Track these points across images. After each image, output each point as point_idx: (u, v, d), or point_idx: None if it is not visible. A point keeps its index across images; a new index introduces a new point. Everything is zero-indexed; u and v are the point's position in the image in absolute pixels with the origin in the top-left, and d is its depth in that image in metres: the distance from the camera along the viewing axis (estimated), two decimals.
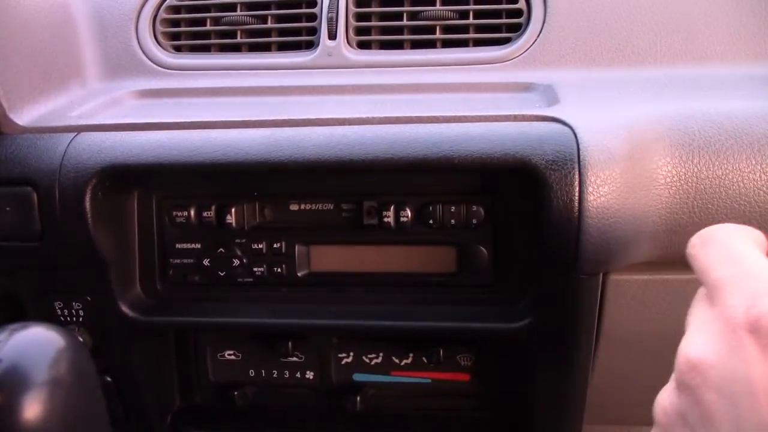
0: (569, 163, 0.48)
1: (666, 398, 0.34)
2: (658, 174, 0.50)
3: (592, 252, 0.49)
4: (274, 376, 0.64)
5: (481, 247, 0.55)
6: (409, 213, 0.54)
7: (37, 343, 0.31)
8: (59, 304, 0.58)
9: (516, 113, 0.52)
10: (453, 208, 0.54)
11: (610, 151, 0.48)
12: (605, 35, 0.65)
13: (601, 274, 0.55)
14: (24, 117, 0.58)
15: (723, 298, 0.33)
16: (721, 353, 0.31)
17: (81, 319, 0.58)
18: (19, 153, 0.54)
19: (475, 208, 0.54)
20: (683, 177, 0.50)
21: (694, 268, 0.36)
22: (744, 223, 0.50)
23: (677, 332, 0.61)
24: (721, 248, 0.35)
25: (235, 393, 0.64)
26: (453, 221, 0.54)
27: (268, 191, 0.57)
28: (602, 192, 0.48)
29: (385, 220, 0.54)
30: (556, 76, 0.63)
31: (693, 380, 0.32)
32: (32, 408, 0.29)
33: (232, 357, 0.64)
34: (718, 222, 0.51)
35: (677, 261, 0.54)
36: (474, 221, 0.54)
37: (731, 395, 0.30)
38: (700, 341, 0.32)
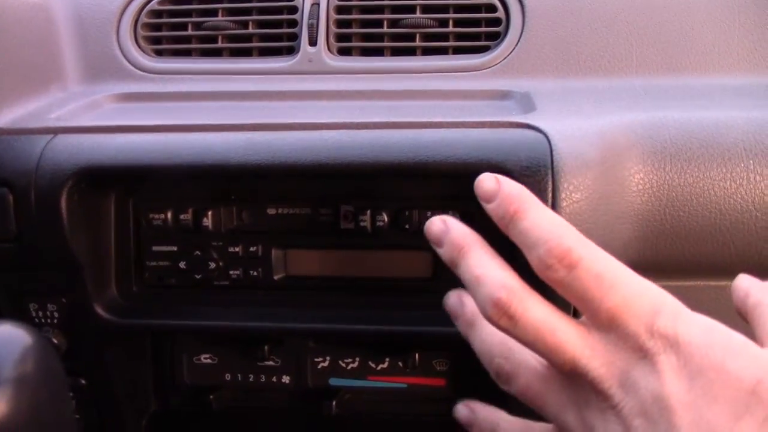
0: (543, 169, 0.48)
1: (581, 428, 0.34)
2: (630, 181, 0.51)
3: None
4: (250, 380, 0.63)
5: None
6: (385, 218, 0.55)
7: (3, 340, 0.31)
8: (34, 306, 0.57)
9: (491, 120, 0.53)
10: (429, 213, 0.54)
11: (583, 158, 0.49)
12: (583, 45, 0.66)
13: None
14: (1, 119, 0.57)
15: (618, 327, 0.33)
16: (638, 380, 0.32)
17: (56, 321, 0.58)
18: None
19: (451, 213, 0.54)
20: (655, 185, 0.51)
21: (564, 293, 0.36)
22: (715, 230, 0.51)
23: None
24: (594, 273, 0.35)
25: (211, 396, 0.64)
26: None
27: (245, 195, 0.57)
28: (575, 198, 0.48)
29: (362, 224, 0.55)
30: (534, 85, 0.64)
31: (607, 402, 0.33)
32: None
33: (209, 360, 0.64)
34: (689, 229, 0.52)
35: (648, 269, 0.55)
36: None
37: (651, 417, 0.31)
38: (609, 373, 0.33)
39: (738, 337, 0.32)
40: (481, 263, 0.39)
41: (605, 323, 0.34)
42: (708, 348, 0.31)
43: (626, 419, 0.32)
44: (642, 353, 0.32)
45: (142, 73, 0.69)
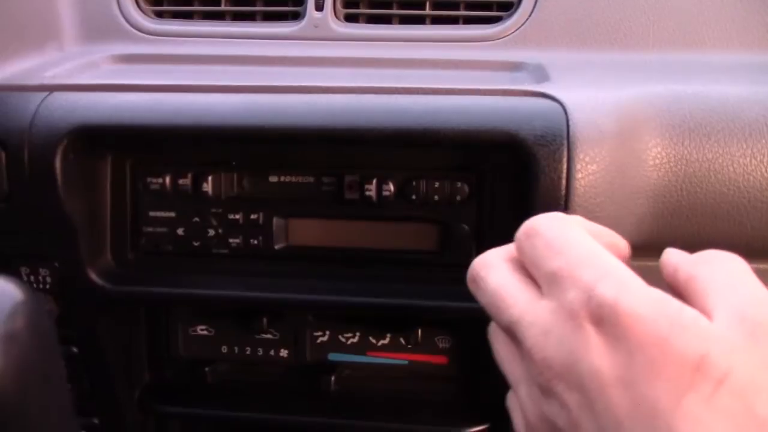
0: (558, 139, 0.46)
1: (530, 405, 0.33)
2: (647, 155, 0.49)
3: None
4: (247, 352, 0.62)
5: (465, 225, 0.53)
6: (391, 187, 0.53)
7: None
8: (26, 270, 0.55)
9: (505, 88, 0.51)
10: (437, 183, 0.53)
11: (600, 129, 0.47)
12: (598, 17, 0.64)
13: None
14: None
15: (560, 293, 0.31)
16: (570, 346, 0.30)
17: (48, 286, 0.56)
18: None
19: (459, 184, 0.53)
20: (673, 159, 0.49)
21: (525, 263, 0.35)
22: (732, 208, 0.50)
23: None
24: (546, 239, 0.33)
25: (207, 369, 0.63)
26: (436, 197, 0.53)
27: (247, 161, 0.55)
28: (591, 170, 0.46)
29: (367, 194, 0.53)
30: (547, 56, 0.62)
31: (552, 384, 0.31)
32: None
33: (204, 332, 0.62)
34: (706, 206, 0.50)
35: (663, 247, 0.53)
36: (458, 198, 0.53)
37: (589, 392, 0.29)
38: (547, 344, 0.31)
39: (689, 311, 0.29)
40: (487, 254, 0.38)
41: (548, 289, 0.32)
42: (651, 320, 0.29)
43: (561, 395, 0.30)
44: (577, 322, 0.30)
45: (141, 34, 0.67)
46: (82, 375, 0.60)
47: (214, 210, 0.55)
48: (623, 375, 0.28)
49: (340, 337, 0.61)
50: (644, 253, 0.55)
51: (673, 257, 0.35)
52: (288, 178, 0.55)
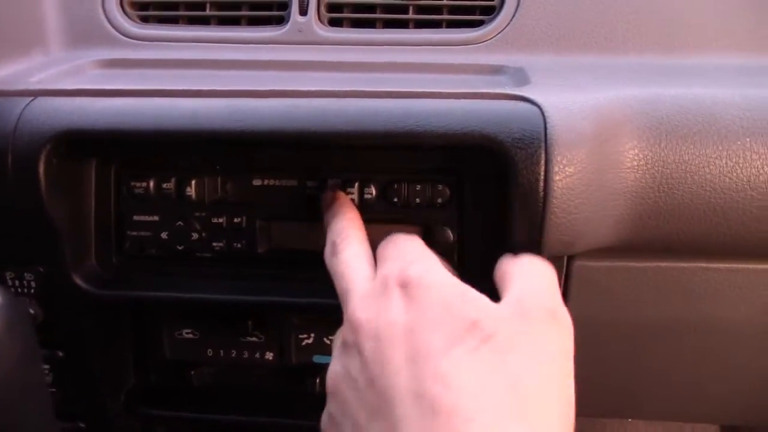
0: (536, 141, 0.47)
1: (332, 366, 0.39)
2: (624, 157, 0.49)
3: (557, 233, 0.48)
4: (233, 356, 0.62)
5: (446, 228, 0.54)
6: (373, 190, 0.53)
7: None
8: (10, 275, 0.56)
9: (484, 91, 0.51)
10: (418, 186, 0.53)
11: (577, 131, 0.48)
12: (579, 21, 0.64)
13: (565, 259, 0.55)
14: None
15: (383, 268, 0.39)
16: (378, 307, 0.37)
17: (33, 290, 0.56)
18: None
19: (440, 187, 0.53)
20: (650, 161, 0.49)
21: (376, 258, 0.42)
22: (708, 209, 0.50)
23: (640, 320, 0.62)
24: (394, 240, 0.43)
25: (192, 372, 0.63)
26: (418, 200, 0.53)
27: (230, 165, 0.56)
28: (568, 172, 0.47)
29: (350, 197, 0.53)
30: (528, 60, 0.62)
31: (356, 337, 0.37)
32: None
33: (190, 335, 0.62)
34: (683, 207, 0.51)
35: (641, 248, 0.54)
36: (439, 200, 0.53)
37: (382, 340, 0.35)
38: (361, 304, 0.38)
39: (475, 292, 0.37)
40: (340, 217, 0.48)
41: (378, 268, 0.40)
42: (444, 290, 0.37)
43: (360, 345, 0.36)
44: (388, 286, 0.37)
45: (127, 39, 0.67)
46: (67, 379, 0.60)
47: (197, 214, 0.55)
48: (412, 326, 0.35)
49: (325, 339, 0.61)
50: (623, 254, 0.56)
51: (501, 260, 0.43)
52: (271, 182, 0.56)
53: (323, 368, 0.62)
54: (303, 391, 0.62)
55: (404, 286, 0.37)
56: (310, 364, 0.62)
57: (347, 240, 0.44)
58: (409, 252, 0.41)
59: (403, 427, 0.32)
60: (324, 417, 0.40)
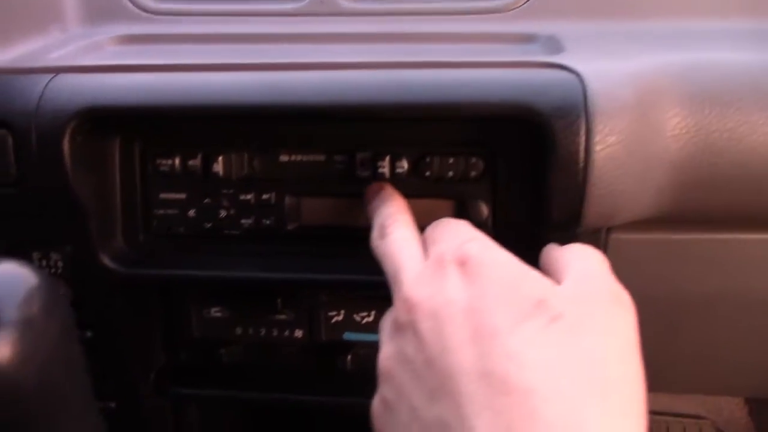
0: (576, 110, 0.45)
1: (385, 347, 0.37)
2: (666, 125, 0.48)
3: (598, 205, 0.47)
4: (262, 334, 0.61)
5: (480, 201, 0.52)
6: (405, 164, 0.52)
7: (8, 279, 0.28)
8: (37, 255, 0.55)
9: (519, 60, 0.50)
10: (451, 159, 0.52)
11: (618, 100, 0.46)
12: None
13: (603, 231, 0.53)
14: None
15: (436, 248, 0.38)
16: (434, 286, 0.35)
17: (60, 270, 0.55)
18: None
19: (473, 160, 0.52)
20: (693, 129, 0.48)
21: (424, 240, 0.41)
22: (753, 178, 0.49)
23: (676, 292, 0.60)
24: (443, 223, 0.41)
25: (222, 351, 0.62)
26: (450, 173, 0.52)
27: (257, 141, 0.54)
28: (610, 141, 0.45)
29: (380, 171, 0.52)
30: (558, 27, 0.60)
31: (411, 317, 0.35)
32: (1, 349, 0.27)
33: (219, 314, 0.62)
34: (726, 176, 0.49)
35: (682, 219, 0.53)
36: (472, 174, 0.52)
37: (441, 318, 0.34)
38: (415, 283, 0.37)
39: (538, 273, 0.36)
40: (388, 203, 0.47)
41: (429, 249, 0.39)
42: (507, 268, 0.36)
43: (416, 324, 0.35)
44: (443, 265, 0.36)
45: (145, 14, 0.66)
46: (96, 359, 0.60)
47: (225, 191, 0.54)
48: (473, 304, 0.33)
49: (355, 316, 0.61)
50: (661, 226, 0.55)
51: (548, 247, 0.42)
52: (299, 157, 0.54)
53: (354, 345, 0.62)
54: (333, 369, 0.61)
55: (462, 264, 0.36)
56: (341, 341, 0.61)
57: (396, 223, 0.43)
58: (462, 232, 0.40)
59: (470, 407, 0.31)
60: (376, 402, 0.38)
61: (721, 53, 0.52)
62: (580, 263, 0.38)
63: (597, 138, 0.45)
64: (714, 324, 0.64)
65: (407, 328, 0.35)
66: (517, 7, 0.63)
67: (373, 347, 0.62)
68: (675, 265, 0.57)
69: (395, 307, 0.38)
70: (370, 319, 0.61)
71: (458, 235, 0.39)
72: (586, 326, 0.33)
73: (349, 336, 0.61)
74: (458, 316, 0.33)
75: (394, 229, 0.43)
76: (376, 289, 0.57)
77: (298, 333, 0.61)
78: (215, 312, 0.62)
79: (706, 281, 0.59)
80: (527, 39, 0.59)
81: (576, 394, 0.30)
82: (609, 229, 0.54)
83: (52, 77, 0.52)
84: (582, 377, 0.31)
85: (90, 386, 0.35)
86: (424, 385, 0.33)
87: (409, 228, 0.43)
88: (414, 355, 0.34)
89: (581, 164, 0.46)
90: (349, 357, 0.61)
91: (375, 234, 0.44)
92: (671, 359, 0.71)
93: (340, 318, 0.61)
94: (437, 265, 0.37)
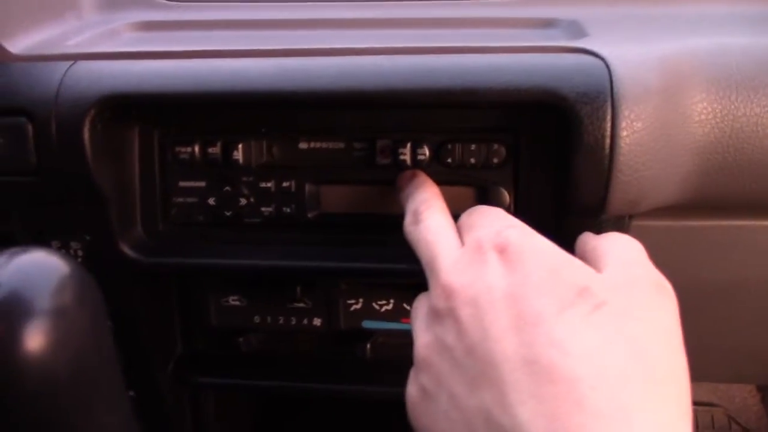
0: (602, 96, 0.45)
1: (423, 335, 0.37)
2: (693, 110, 0.47)
3: (623, 191, 0.46)
4: (280, 322, 0.61)
5: (502, 188, 0.52)
6: (426, 151, 0.51)
7: (40, 268, 0.28)
8: (57, 244, 0.55)
9: (543, 44, 0.49)
10: (473, 146, 0.51)
11: (644, 85, 0.45)
12: None
13: (626, 218, 0.53)
14: (17, 45, 0.54)
15: (473, 234, 0.38)
16: (473, 272, 0.35)
17: (80, 259, 0.55)
18: (12, 82, 0.51)
19: (495, 146, 0.51)
20: (719, 114, 0.47)
21: (459, 227, 0.41)
22: None
23: (698, 280, 0.60)
24: (480, 210, 0.41)
25: (240, 339, 0.62)
26: (472, 160, 0.51)
27: (276, 128, 0.54)
28: (636, 127, 0.45)
29: (401, 158, 0.51)
30: (579, 12, 0.60)
31: (450, 304, 0.35)
32: (34, 339, 0.27)
33: (237, 302, 0.62)
34: (753, 163, 0.49)
35: (706, 206, 0.52)
36: (495, 160, 0.51)
37: (481, 305, 0.33)
38: (453, 270, 0.36)
39: (578, 261, 0.36)
40: (422, 189, 0.46)
41: (466, 235, 0.39)
42: (548, 255, 0.35)
43: (455, 311, 0.34)
44: (482, 251, 0.36)
45: (161, 1, 0.65)
46: (117, 348, 0.60)
47: (245, 179, 0.54)
48: (514, 291, 0.33)
49: (374, 304, 0.60)
50: (683, 213, 0.54)
51: (584, 236, 0.41)
52: (318, 145, 0.54)
53: (373, 333, 0.61)
54: (352, 357, 0.61)
55: (502, 250, 0.35)
56: (360, 329, 0.61)
57: (430, 209, 0.42)
58: (500, 219, 0.39)
59: (514, 395, 0.30)
60: (412, 390, 0.37)
61: (746, 38, 0.51)
62: (620, 252, 0.37)
63: (623, 124, 0.45)
64: (728, 311, 0.63)
65: (446, 315, 0.35)
66: None
67: (392, 335, 0.62)
68: (694, 252, 0.57)
69: (432, 294, 0.37)
70: (389, 307, 0.61)
71: (496, 221, 0.39)
72: (630, 314, 0.32)
73: (368, 324, 0.61)
74: (499, 303, 0.33)
75: (429, 215, 0.42)
76: (396, 277, 0.57)
77: (317, 321, 0.61)
78: (233, 300, 0.62)
79: (725, 268, 0.58)
80: (548, 24, 0.58)
81: (622, 382, 0.30)
82: (631, 216, 0.54)
83: (71, 64, 0.51)
84: (627, 365, 0.30)
85: (120, 374, 0.35)
86: (464, 373, 0.33)
87: (445, 214, 0.42)
88: (454, 342, 0.34)
89: (607, 150, 0.45)
90: (368, 345, 0.61)
91: (408, 220, 0.43)
92: (688, 347, 0.71)
93: (359, 306, 0.61)
94: (476, 252, 0.36)
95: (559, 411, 0.29)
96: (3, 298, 0.27)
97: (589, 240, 0.40)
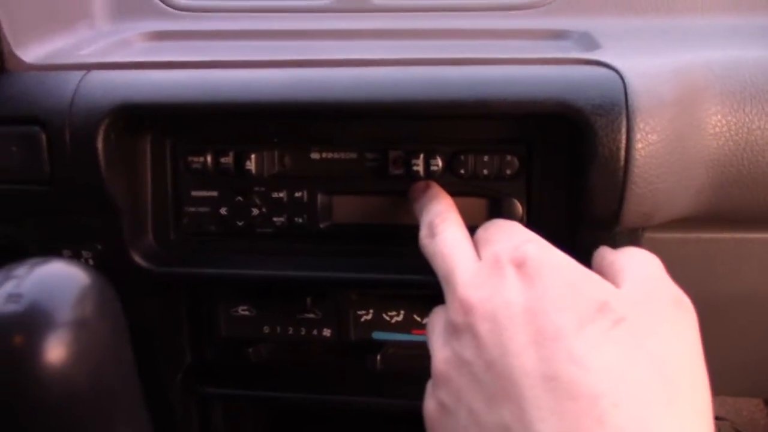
0: (616, 108, 0.45)
1: (440, 350, 0.37)
2: (707, 123, 0.47)
3: (637, 204, 0.46)
4: (290, 332, 0.61)
5: (514, 200, 0.52)
6: (439, 162, 0.51)
7: (61, 279, 0.28)
8: (68, 253, 0.55)
9: (557, 56, 0.49)
10: (486, 157, 0.51)
11: (659, 97, 0.45)
12: None
13: (640, 230, 0.53)
14: (30, 54, 0.54)
15: (491, 248, 0.37)
16: (491, 287, 0.35)
17: None
18: (27, 91, 0.51)
19: (508, 157, 0.51)
20: (733, 127, 0.47)
21: (475, 241, 0.40)
22: None
23: (711, 293, 0.60)
24: (497, 224, 0.41)
25: (249, 350, 0.62)
26: (485, 171, 0.51)
27: (288, 138, 0.54)
28: (651, 140, 0.45)
29: (414, 168, 0.51)
30: (590, 24, 0.60)
31: (468, 319, 0.35)
32: (55, 350, 0.27)
33: (246, 312, 0.61)
34: (767, 175, 0.49)
35: (720, 218, 0.52)
36: (507, 172, 0.51)
37: (500, 320, 0.33)
38: (471, 284, 0.36)
39: (597, 275, 0.36)
40: (436, 201, 0.46)
41: (483, 250, 0.38)
42: (567, 270, 0.35)
43: (474, 327, 0.34)
44: (500, 265, 0.36)
45: (172, 10, 0.66)
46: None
47: (257, 188, 0.54)
48: (533, 306, 0.33)
49: (384, 315, 0.60)
50: (696, 225, 0.54)
51: (600, 251, 0.42)
52: (330, 155, 0.54)
53: (383, 345, 0.61)
54: (362, 368, 0.61)
55: (520, 265, 0.35)
56: (370, 340, 0.61)
57: (446, 222, 0.42)
58: (517, 233, 0.39)
59: (534, 412, 0.30)
60: (430, 405, 0.37)
61: (758, 50, 0.51)
62: (638, 267, 0.37)
63: (638, 136, 0.45)
64: (737, 324, 0.63)
65: (464, 330, 0.35)
66: (548, 3, 0.63)
67: (403, 347, 0.62)
68: (707, 265, 0.56)
69: (450, 308, 0.37)
70: (400, 318, 0.60)
71: (513, 236, 0.38)
72: (650, 330, 0.32)
73: (378, 335, 0.61)
74: (518, 319, 0.33)
75: (445, 228, 0.42)
76: (408, 288, 0.57)
77: (327, 332, 0.61)
78: (243, 310, 0.62)
79: (736, 281, 0.58)
80: (560, 35, 0.59)
81: (644, 398, 0.30)
82: (644, 228, 0.54)
83: (85, 74, 0.51)
84: (649, 381, 0.30)
85: (139, 386, 0.35)
86: (483, 388, 0.33)
87: (460, 227, 0.42)
88: (473, 358, 0.34)
89: (622, 162, 0.45)
90: (378, 357, 0.60)
91: (424, 232, 0.43)
92: None
93: (369, 317, 0.61)
94: (493, 266, 0.36)
95: (580, 428, 0.29)
96: (24, 309, 0.27)
97: (606, 255, 0.40)
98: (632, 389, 0.30)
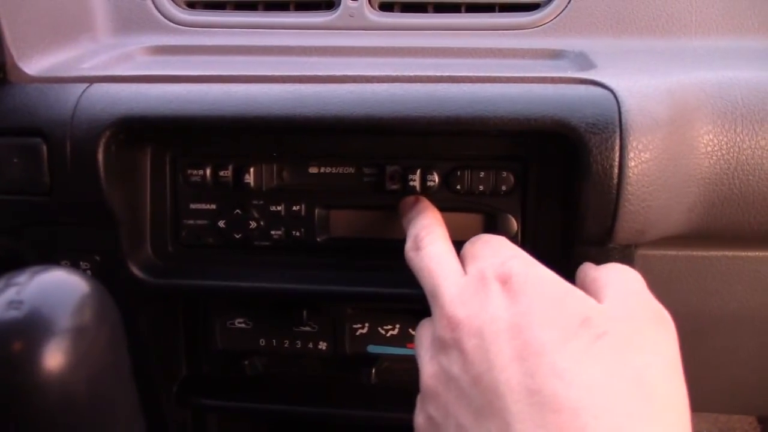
0: (610, 126, 0.45)
1: (428, 365, 0.37)
2: (699, 142, 0.48)
3: (630, 221, 0.47)
4: (286, 345, 0.61)
5: (510, 216, 0.53)
6: (436, 177, 0.52)
7: (61, 286, 0.29)
8: (66, 263, 0.55)
9: (553, 75, 0.50)
10: (482, 173, 0.52)
11: (652, 116, 0.46)
12: (638, 3, 0.63)
13: (632, 247, 0.53)
14: (33, 67, 0.55)
15: (477, 264, 0.38)
16: (477, 303, 0.36)
17: None
18: (29, 103, 0.52)
19: (504, 174, 0.52)
20: (725, 146, 0.48)
21: (462, 256, 0.41)
22: None
23: (702, 310, 0.60)
24: (484, 239, 0.42)
25: (245, 362, 0.62)
26: (481, 187, 0.52)
27: (287, 152, 0.55)
28: (644, 158, 0.46)
29: (411, 184, 0.52)
30: (588, 44, 0.61)
31: (455, 335, 0.35)
32: (54, 356, 0.27)
33: (242, 325, 0.62)
34: (758, 194, 0.49)
35: (711, 236, 0.53)
36: (503, 188, 0.52)
37: (486, 336, 0.34)
38: (458, 300, 0.36)
39: (580, 291, 0.36)
40: (423, 215, 0.47)
41: (469, 265, 0.39)
42: (551, 285, 0.36)
43: (460, 343, 0.35)
44: (486, 282, 0.36)
45: (174, 25, 0.66)
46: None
47: (255, 202, 0.54)
48: (519, 322, 0.33)
49: (379, 329, 0.61)
50: (688, 243, 0.55)
51: (585, 267, 0.42)
52: (328, 169, 0.54)
53: (378, 358, 0.62)
54: (357, 381, 0.61)
55: (505, 281, 0.36)
56: (365, 353, 0.61)
57: (432, 235, 0.43)
58: (503, 249, 0.40)
59: (518, 425, 0.31)
60: (419, 419, 0.38)
61: (750, 71, 0.52)
62: (620, 282, 0.38)
63: (631, 154, 0.45)
64: (730, 341, 0.64)
65: (451, 346, 0.35)
66: (545, 23, 0.64)
67: (398, 360, 0.62)
68: (699, 282, 0.57)
69: (436, 324, 0.37)
70: (395, 332, 0.61)
71: (499, 251, 0.39)
72: (631, 344, 0.33)
73: (373, 349, 0.61)
74: (504, 334, 0.33)
75: (430, 242, 0.42)
76: (404, 302, 0.58)
77: (322, 345, 0.61)
78: (239, 323, 0.62)
79: (729, 298, 0.58)
80: (556, 55, 0.59)
81: (624, 411, 0.30)
82: (636, 245, 0.54)
83: (87, 87, 0.52)
84: (630, 395, 0.31)
85: (136, 394, 0.35)
86: (470, 403, 0.33)
87: (446, 241, 0.43)
88: (460, 373, 0.34)
89: (615, 180, 0.46)
90: (373, 370, 0.61)
91: (409, 245, 0.44)
92: (692, 376, 0.71)
93: (365, 330, 0.61)
94: (479, 282, 0.37)
95: None
96: (24, 316, 0.27)
97: (589, 271, 0.41)
98: (613, 402, 0.30)
